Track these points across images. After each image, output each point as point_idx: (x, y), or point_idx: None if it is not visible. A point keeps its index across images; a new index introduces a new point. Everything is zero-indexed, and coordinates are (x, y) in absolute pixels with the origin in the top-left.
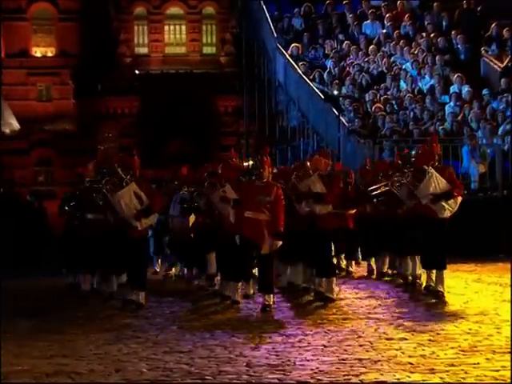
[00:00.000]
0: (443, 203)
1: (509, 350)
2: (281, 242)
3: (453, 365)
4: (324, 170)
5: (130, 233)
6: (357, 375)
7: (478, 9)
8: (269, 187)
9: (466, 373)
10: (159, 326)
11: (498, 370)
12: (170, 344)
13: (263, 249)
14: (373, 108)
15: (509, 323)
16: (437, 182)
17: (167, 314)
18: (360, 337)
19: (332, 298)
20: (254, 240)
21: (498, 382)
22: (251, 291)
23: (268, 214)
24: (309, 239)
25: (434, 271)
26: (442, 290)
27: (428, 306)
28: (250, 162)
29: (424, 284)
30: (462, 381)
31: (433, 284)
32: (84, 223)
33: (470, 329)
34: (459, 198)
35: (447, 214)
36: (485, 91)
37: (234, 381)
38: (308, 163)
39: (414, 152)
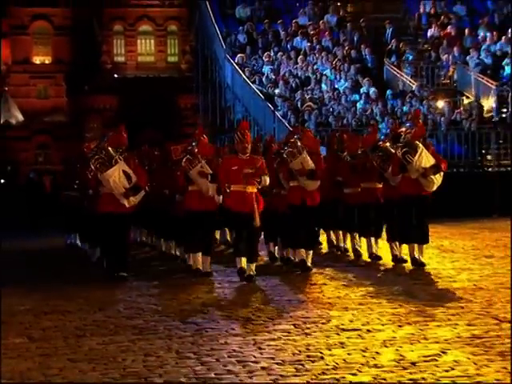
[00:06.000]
0: (432, 177)
1: (398, 300)
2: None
3: (361, 304)
4: (314, 148)
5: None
6: (287, 312)
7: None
8: (254, 160)
9: (371, 310)
10: (134, 274)
11: (395, 308)
12: (142, 289)
13: (255, 222)
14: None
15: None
16: (426, 156)
17: (143, 269)
18: (290, 282)
19: (310, 267)
20: (243, 214)
21: (396, 317)
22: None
23: (257, 185)
24: (299, 214)
25: (416, 245)
26: (424, 260)
27: (344, 258)
28: None
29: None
30: (368, 315)
31: (417, 256)
32: (82, 199)
33: (377, 276)
34: (442, 173)
35: (435, 187)
36: (388, 92)
37: (191, 317)
38: (298, 141)
39: (403, 129)
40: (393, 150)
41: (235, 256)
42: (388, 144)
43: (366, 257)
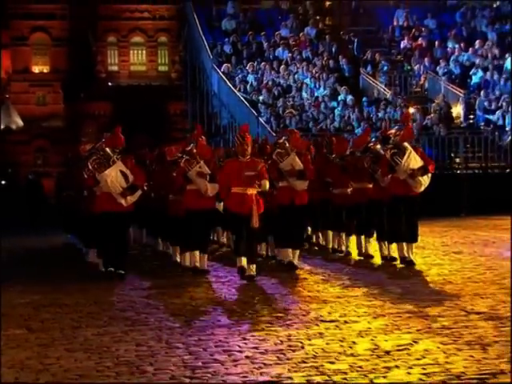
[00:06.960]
0: (420, 178)
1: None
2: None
3: (339, 297)
4: (301, 149)
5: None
6: (270, 305)
7: (356, 40)
8: (255, 163)
9: (348, 302)
10: (129, 270)
11: (371, 301)
12: (134, 283)
13: (253, 223)
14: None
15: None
16: (414, 158)
17: (137, 265)
18: (273, 277)
19: (297, 265)
20: (243, 215)
21: (371, 309)
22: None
23: (257, 188)
24: (288, 214)
25: (405, 244)
26: (414, 259)
27: (323, 254)
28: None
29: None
30: (346, 308)
31: (406, 255)
32: (79, 200)
33: (354, 271)
34: (430, 174)
35: (422, 188)
36: (364, 99)
37: (180, 310)
38: (286, 142)
39: (392, 130)
40: (382, 152)
41: (235, 255)
42: (378, 146)
43: (354, 255)
